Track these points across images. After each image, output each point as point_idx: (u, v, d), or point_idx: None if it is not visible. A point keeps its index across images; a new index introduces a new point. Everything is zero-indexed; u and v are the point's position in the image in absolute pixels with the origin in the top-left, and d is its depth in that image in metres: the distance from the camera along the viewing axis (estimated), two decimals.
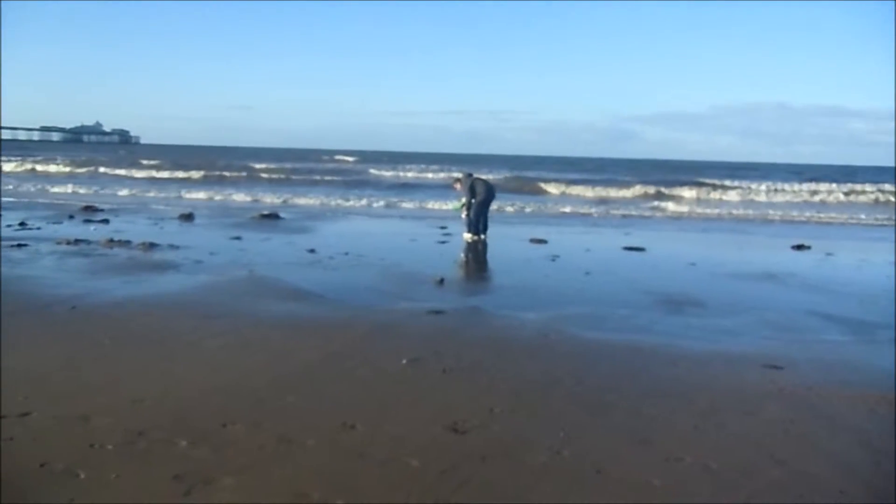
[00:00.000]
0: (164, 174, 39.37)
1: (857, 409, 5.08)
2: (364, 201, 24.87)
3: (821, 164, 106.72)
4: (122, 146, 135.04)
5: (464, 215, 14.74)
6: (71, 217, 16.73)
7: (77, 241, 12.08)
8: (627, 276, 10.81)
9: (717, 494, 3.73)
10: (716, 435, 4.53)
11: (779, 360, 6.17)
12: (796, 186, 37.10)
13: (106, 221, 15.93)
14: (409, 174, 46.00)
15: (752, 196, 32.57)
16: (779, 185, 38.01)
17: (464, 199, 14.70)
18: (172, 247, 11.97)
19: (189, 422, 4.45)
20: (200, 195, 26.05)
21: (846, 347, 6.90)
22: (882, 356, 6.58)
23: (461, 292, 9.29)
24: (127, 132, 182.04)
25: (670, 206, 26.82)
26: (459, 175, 15.97)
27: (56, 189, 27.40)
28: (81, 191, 27.05)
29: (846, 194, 33.66)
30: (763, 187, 37.13)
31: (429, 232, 16.01)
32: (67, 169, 42.01)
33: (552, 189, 32.75)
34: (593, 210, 24.13)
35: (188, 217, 17.30)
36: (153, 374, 5.38)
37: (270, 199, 24.43)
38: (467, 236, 14.47)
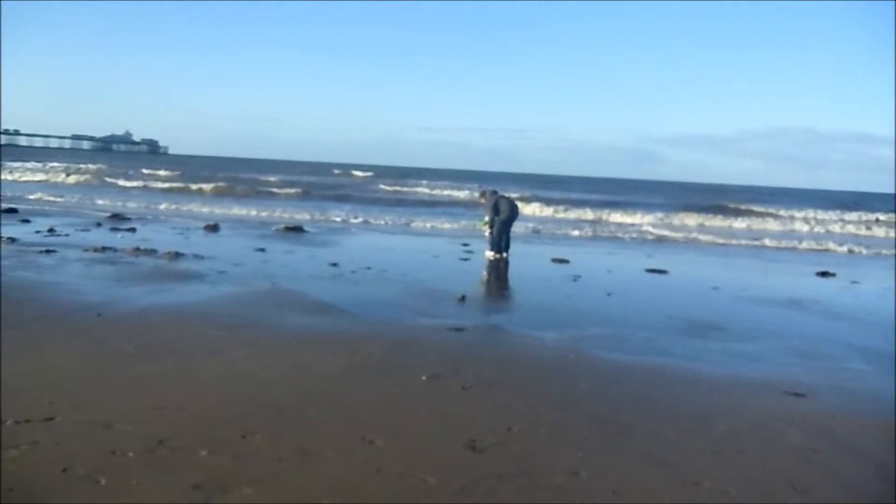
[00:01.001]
0: (166, 185, 38.85)
1: (879, 439, 5.03)
2: (384, 218, 24.68)
3: (847, 191, 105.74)
4: (151, 156, 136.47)
5: (487, 233, 14.72)
6: (98, 225, 16.95)
7: (104, 249, 12.23)
8: (649, 299, 10.77)
9: None
10: (735, 461, 4.50)
11: (801, 388, 6.12)
12: (822, 214, 36.88)
13: (133, 230, 16.11)
14: (432, 191, 45.78)
15: (776, 222, 32.30)
16: (804, 212, 37.79)
17: (487, 218, 14.69)
18: (197, 257, 12.08)
19: (209, 431, 4.49)
20: (218, 210, 26.12)
21: (869, 377, 6.83)
22: None
23: (482, 310, 9.29)
24: (156, 142, 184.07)
25: (693, 229, 26.69)
26: (485, 190, 15.90)
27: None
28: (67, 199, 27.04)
29: (872, 222, 33.32)
30: (788, 213, 36.96)
31: (451, 249, 16.03)
32: (75, 178, 41.08)
33: (574, 210, 32.63)
34: (616, 231, 24.05)
35: (213, 228, 17.45)
36: (175, 383, 5.44)
37: (279, 215, 24.19)
38: (490, 254, 14.45)
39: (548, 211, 31.13)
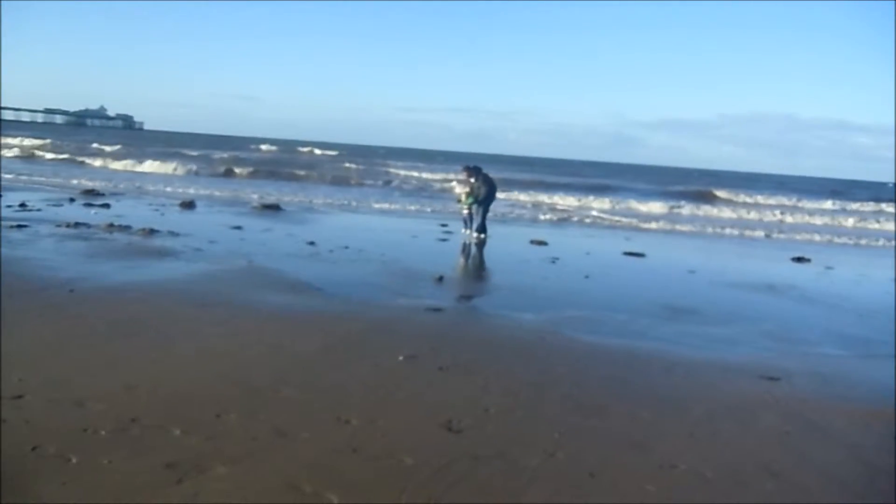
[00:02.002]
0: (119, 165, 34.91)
1: (852, 423, 5.07)
2: (357, 201, 24.34)
3: (826, 178, 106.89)
4: (126, 131, 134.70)
5: (466, 212, 14.55)
6: (72, 200, 16.69)
7: (77, 225, 12.05)
8: (626, 282, 10.81)
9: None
10: (711, 443, 4.52)
11: (775, 372, 6.16)
12: (802, 202, 37.19)
13: (107, 206, 15.90)
14: (401, 172, 44.25)
15: (754, 208, 32.54)
16: (782, 199, 38.12)
17: (468, 198, 14.44)
18: (172, 234, 11.95)
19: (183, 410, 4.43)
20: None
21: (843, 361, 6.89)
22: (879, 372, 6.57)
23: (460, 290, 9.26)
24: (131, 117, 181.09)
25: (672, 213, 26.82)
26: (469, 166, 15.15)
27: None
28: None
29: (854, 212, 33.69)
30: (766, 199, 37.27)
31: (429, 229, 15.97)
32: None
33: (549, 194, 32.61)
34: (596, 215, 24.12)
35: (189, 205, 17.27)
36: (148, 361, 5.37)
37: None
38: (469, 233, 14.38)
39: (526, 195, 31.05)
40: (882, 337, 8.10)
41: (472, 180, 14.63)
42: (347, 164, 47.40)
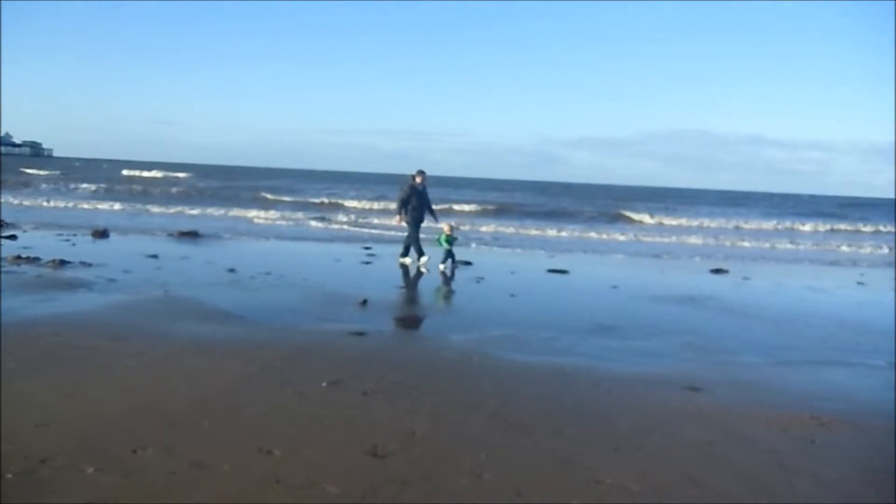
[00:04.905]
0: None
1: (771, 429, 5.19)
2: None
3: (743, 192, 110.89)
4: (33, 159, 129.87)
5: (446, 247, 13.90)
6: None
7: None
8: (551, 299, 10.92)
9: None
10: (636, 456, 4.56)
11: (697, 382, 6.28)
12: (723, 220, 38.36)
13: (13, 237, 15.29)
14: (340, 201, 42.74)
15: (672, 222, 33.42)
16: (702, 216, 39.28)
17: (446, 233, 14.04)
18: (84, 264, 11.55)
19: (97, 447, 4.24)
20: None
21: (761, 369, 7.07)
22: (795, 377, 6.77)
23: (385, 313, 9.19)
24: (39, 144, 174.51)
25: (594, 231, 27.30)
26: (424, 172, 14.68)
27: None
28: None
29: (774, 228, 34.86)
30: (684, 215, 38.35)
31: (353, 252, 15.87)
32: None
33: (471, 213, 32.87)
34: (520, 232, 24.36)
35: (102, 234, 16.75)
36: (60, 398, 5.14)
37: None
38: (422, 261, 14.03)
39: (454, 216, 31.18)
40: (796, 343, 8.37)
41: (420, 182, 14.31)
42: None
